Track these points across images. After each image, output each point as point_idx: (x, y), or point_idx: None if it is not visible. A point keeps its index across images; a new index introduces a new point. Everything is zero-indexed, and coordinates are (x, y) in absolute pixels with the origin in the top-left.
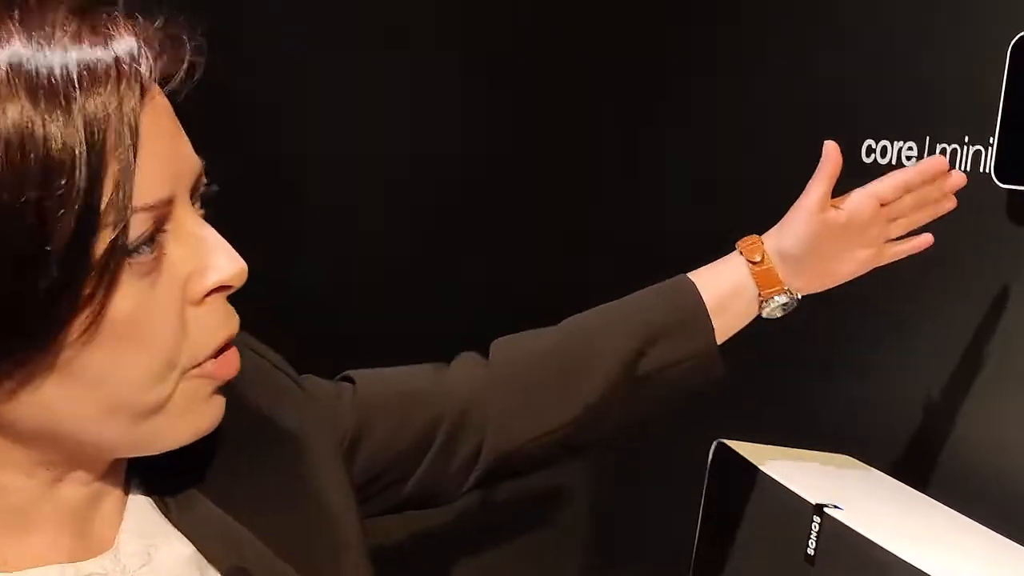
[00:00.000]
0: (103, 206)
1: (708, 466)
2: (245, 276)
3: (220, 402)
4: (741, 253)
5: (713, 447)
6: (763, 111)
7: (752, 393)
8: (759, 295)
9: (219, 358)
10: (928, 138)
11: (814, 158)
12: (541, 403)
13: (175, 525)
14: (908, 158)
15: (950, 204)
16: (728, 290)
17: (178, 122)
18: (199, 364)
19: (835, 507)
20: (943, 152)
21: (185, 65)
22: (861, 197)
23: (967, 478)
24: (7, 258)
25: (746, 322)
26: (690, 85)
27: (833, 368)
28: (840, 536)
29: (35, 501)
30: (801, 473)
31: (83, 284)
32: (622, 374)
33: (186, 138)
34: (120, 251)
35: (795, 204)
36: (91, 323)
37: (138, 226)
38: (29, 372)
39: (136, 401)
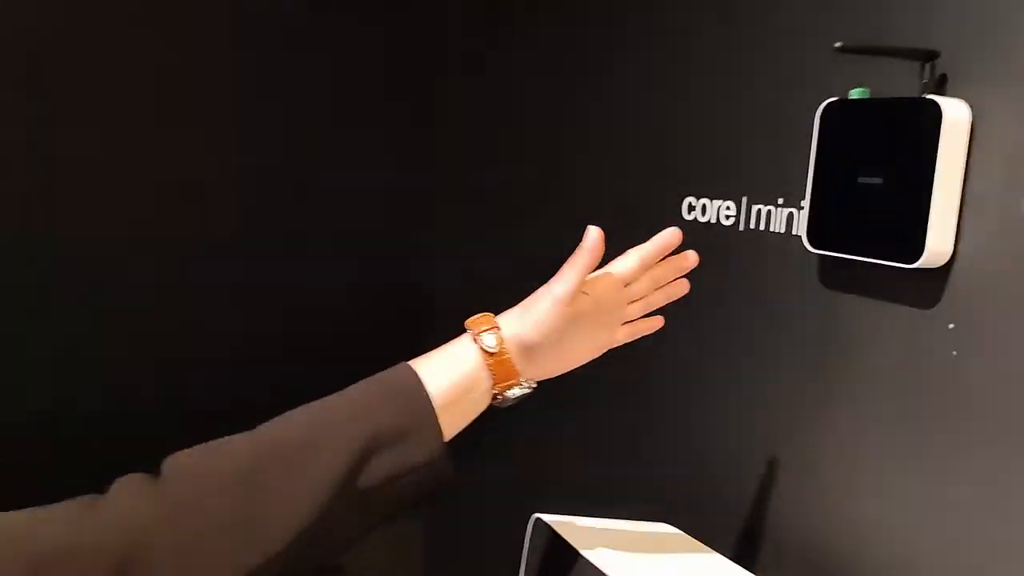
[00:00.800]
0: None
1: (525, 544)
2: None
3: None
4: (475, 339)
5: (531, 523)
6: (597, 168)
7: (574, 461)
8: (493, 387)
9: None
10: (745, 198)
11: (640, 214)
12: (227, 541)
13: None
14: (727, 217)
15: (684, 288)
16: (459, 384)
17: None
18: None
19: None
20: (758, 213)
21: None
22: (607, 281)
23: (787, 549)
24: None
25: (476, 415)
26: (524, 144)
27: (653, 433)
28: None
29: None
30: (619, 551)
31: None
32: (335, 495)
33: None
34: None
35: (543, 290)
36: None
37: None
38: None
39: None
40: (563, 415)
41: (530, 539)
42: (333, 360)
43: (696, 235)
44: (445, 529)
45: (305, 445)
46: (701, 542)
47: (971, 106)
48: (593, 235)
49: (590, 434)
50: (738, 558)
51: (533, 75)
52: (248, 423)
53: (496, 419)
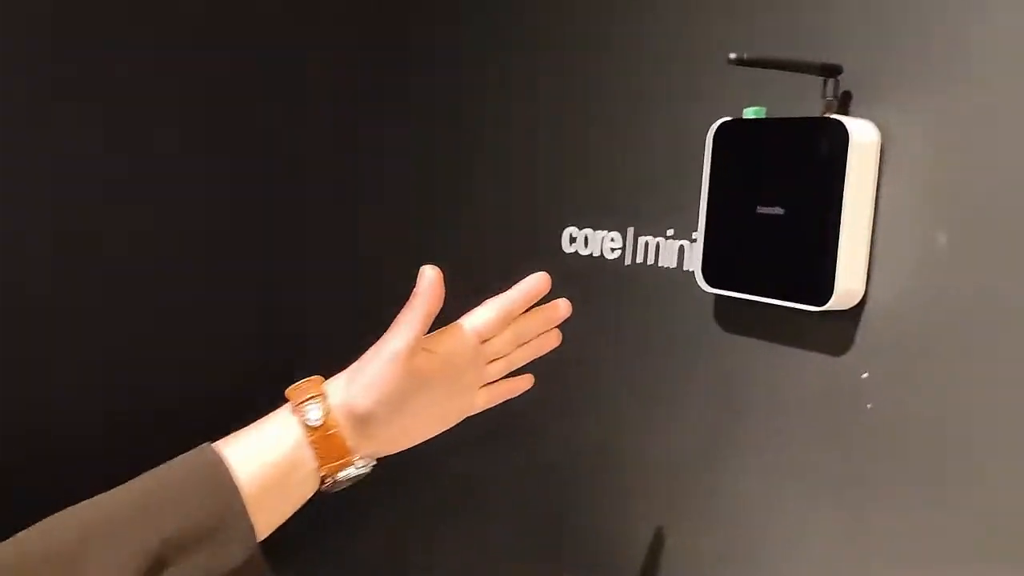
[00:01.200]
0: None
1: None
2: None
3: None
4: (294, 411)
5: None
6: (468, 196)
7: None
8: (320, 469)
9: None
10: (631, 229)
11: (515, 248)
12: None
13: None
14: (612, 250)
15: (554, 341)
16: (275, 468)
17: None
18: None
19: None
20: (645, 246)
21: None
22: (459, 336)
23: None
24: None
25: (301, 503)
26: (391, 175)
27: (542, 494)
28: None
29: None
30: None
31: None
32: None
33: None
34: None
35: (376, 347)
36: None
37: None
38: None
39: None
40: (425, 484)
41: None
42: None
43: (578, 270)
44: None
45: (77, 557)
46: None
47: (879, 127)
48: (429, 275)
49: (466, 496)
50: None
51: (401, 102)
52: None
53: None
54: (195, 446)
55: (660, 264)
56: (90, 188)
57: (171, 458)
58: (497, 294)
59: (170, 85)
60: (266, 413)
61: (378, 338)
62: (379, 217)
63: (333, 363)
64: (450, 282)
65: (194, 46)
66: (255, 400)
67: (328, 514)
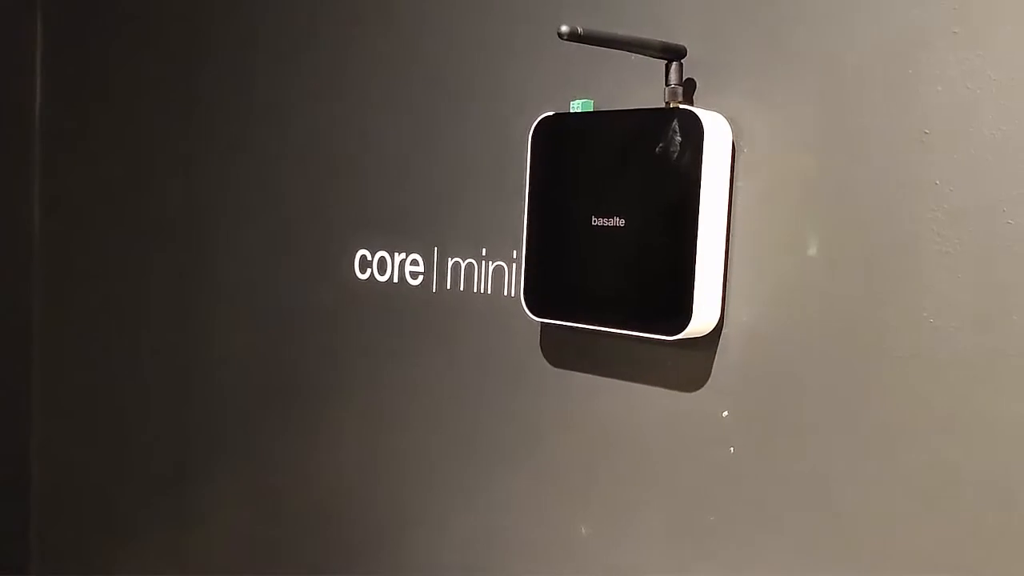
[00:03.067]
0: None
1: None
2: None
3: None
4: None
5: None
6: (236, 214)
7: None
8: None
9: None
10: (436, 249)
11: (303, 276)
12: None
13: None
14: (413, 275)
15: None
16: None
17: None
18: None
19: None
20: (455, 268)
21: None
22: None
23: None
24: None
25: None
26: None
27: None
28: None
29: None
30: None
31: None
32: None
33: None
34: None
35: None
36: None
37: None
38: None
39: None
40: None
41: None
42: None
43: (374, 300)
44: None
45: None
46: None
47: (730, 120)
48: None
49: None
50: None
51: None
52: None
53: None
54: None
55: (474, 290)
56: None
57: None
58: (272, 334)
59: None
60: None
61: None
62: (133, 250)
63: None
64: (222, 315)
65: None
66: None
67: None
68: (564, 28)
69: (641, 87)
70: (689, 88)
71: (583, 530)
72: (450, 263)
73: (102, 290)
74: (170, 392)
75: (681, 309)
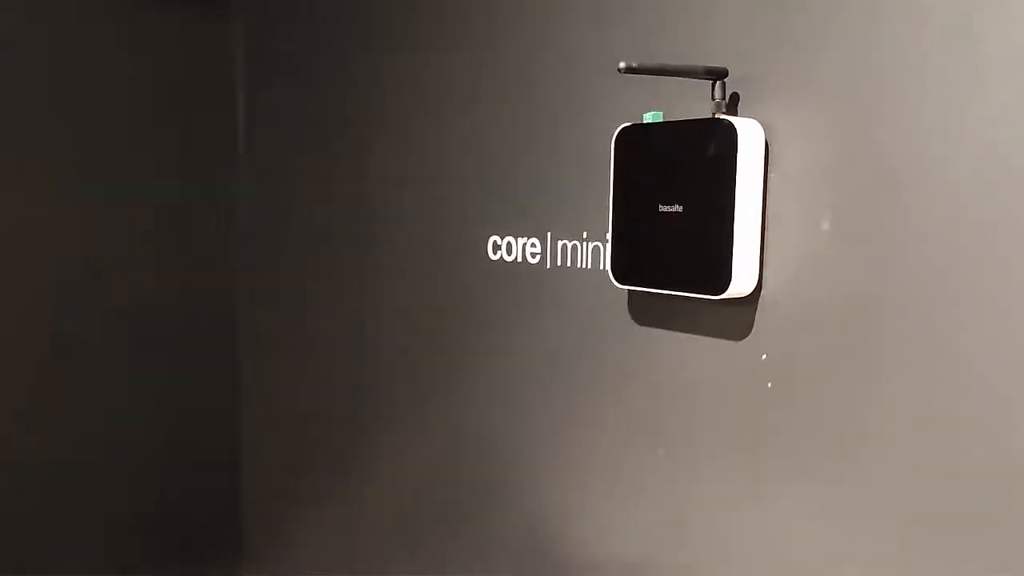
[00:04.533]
0: None
1: None
2: None
3: None
4: None
5: None
6: (398, 212)
7: (395, 511)
8: None
9: None
10: (549, 234)
11: (445, 257)
12: None
13: None
14: (533, 255)
15: None
16: None
17: None
18: None
19: None
20: (563, 249)
21: None
22: None
23: None
24: None
25: None
26: (326, 189)
27: (474, 494)
28: None
29: None
30: None
31: None
32: None
33: None
34: None
35: None
36: None
37: None
38: None
39: None
40: (375, 474)
41: None
42: None
43: (503, 276)
44: None
45: None
46: None
47: (764, 125)
48: None
49: (402, 489)
50: None
51: (330, 117)
52: None
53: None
54: None
55: (577, 265)
56: None
57: None
58: (425, 308)
59: None
60: None
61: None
62: (313, 236)
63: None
64: (389, 293)
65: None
66: None
67: None
68: (622, 64)
69: (699, 100)
70: (734, 100)
71: (661, 452)
72: (559, 245)
73: (295, 283)
74: (347, 360)
75: (723, 275)
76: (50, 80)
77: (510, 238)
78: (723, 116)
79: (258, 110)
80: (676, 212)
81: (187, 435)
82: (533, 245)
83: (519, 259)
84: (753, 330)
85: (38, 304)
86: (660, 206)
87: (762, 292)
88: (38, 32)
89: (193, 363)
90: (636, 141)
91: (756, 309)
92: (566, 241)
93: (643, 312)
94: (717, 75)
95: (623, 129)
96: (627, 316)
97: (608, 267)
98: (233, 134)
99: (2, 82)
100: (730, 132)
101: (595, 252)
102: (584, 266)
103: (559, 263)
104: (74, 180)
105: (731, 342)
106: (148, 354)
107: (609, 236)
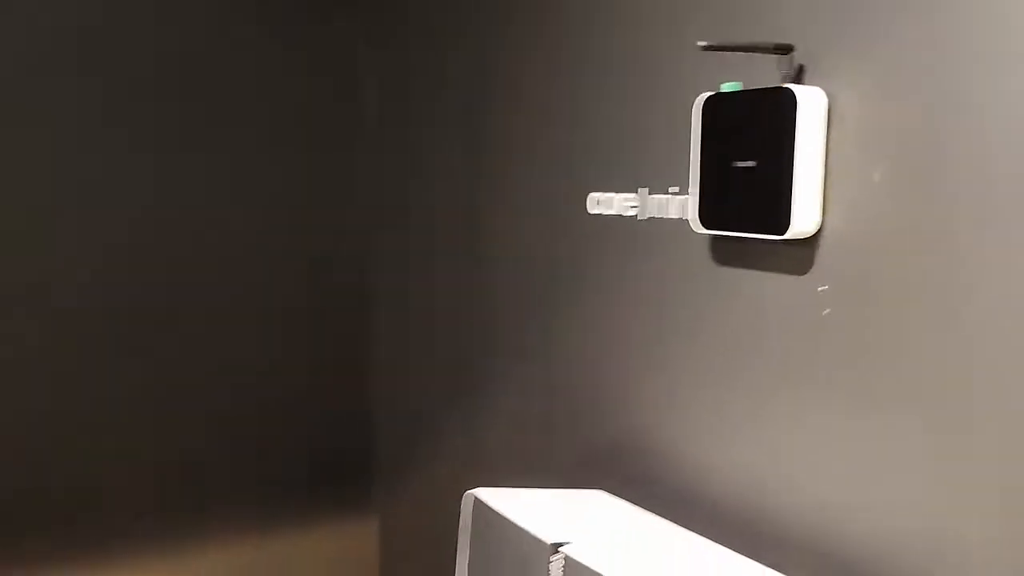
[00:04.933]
0: None
1: (462, 514)
2: None
3: None
4: None
5: (464, 499)
6: (506, 173)
7: (515, 431)
8: None
9: None
10: (642, 190)
11: (551, 213)
12: None
13: None
14: (628, 209)
15: None
16: None
17: None
18: None
19: (569, 544)
20: (655, 203)
21: None
22: None
23: (703, 502)
24: None
25: None
26: (440, 151)
27: (576, 409)
28: (577, 572)
29: None
30: (546, 513)
31: None
32: None
33: None
34: None
35: None
36: None
37: None
38: None
39: None
40: (495, 400)
41: (464, 513)
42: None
43: (602, 230)
44: (395, 514)
45: None
46: (631, 503)
47: (826, 92)
48: None
49: (519, 415)
50: (664, 513)
51: (446, 88)
52: None
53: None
54: None
55: (668, 216)
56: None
57: None
58: (536, 257)
59: None
60: None
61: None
62: (448, 194)
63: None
64: (500, 249)
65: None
66: None
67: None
68: (701, 43)
69: (771, 72)
70: (800, 72)
71: (739, 371)
72: (652, 198)
73: (423, 243)
74: (468, 304)
75: (785, 218)
76: (200, 82)
77: (610, 194)
78: (789, 85)
79: (387, 81)
80: (749, 167)
81: (322, 382)
82: (629, 199)
83: (616, 213)
84: (814, 265)
85: (195, 266)
86: (735, 162)
87: (822, 233)
88: (193, 37)
89: (330, 310)
90: (716, 108)
91: (816, 248)
92: (658, 195)
93: (722, 254)
94: (784, 50)
95: (706, 98)
96: (708, 258)
97: (691, 216)
98: (360, 108)
99: (167, 86)
100: (794, 99)
101: (681, 204)
102: (672, 216)
103: (653, 215)
104: (226, 169)
105: (796, 276)
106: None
107: (693, 189)
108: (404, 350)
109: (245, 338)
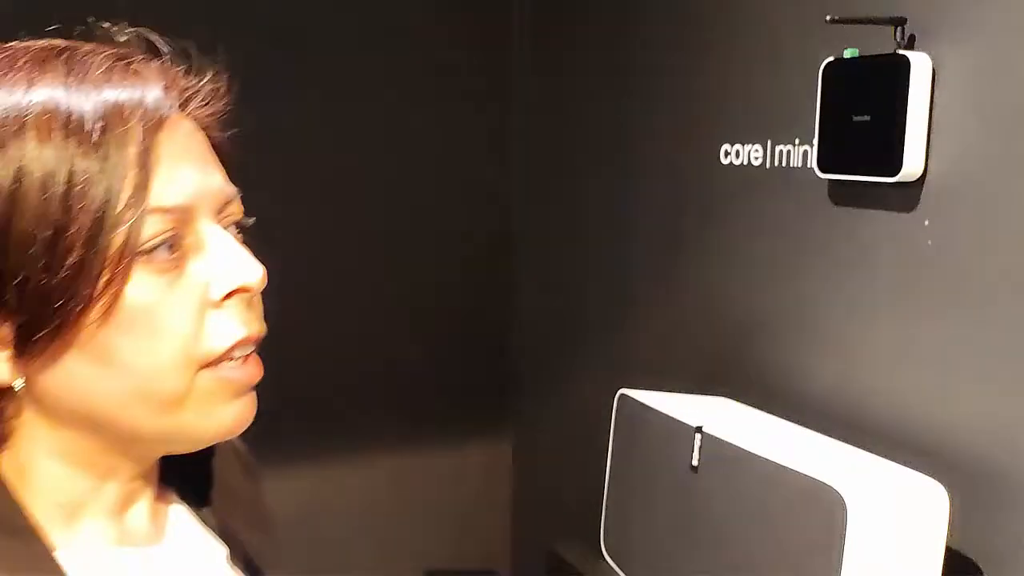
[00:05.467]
0: (119, 209)
1: (614, 410)
2: (259, 281)
3: (243, 406)
4: None
5: (617, 396)
6: (646, 121)
7: (652, 349)
8: None
9: (240, 362)
10: (769, 141)
11: (686, 162)
12: None
13: (202, 525)
14: (755, 158)
15: None
16: None
17: (209, 153)
18: (217, 363)
19: (709, 427)
20: (779, 153)
21: (206, 103)
22: None
23: (819, 405)
24: (37, 245)
25: None
26: (589, 112)
27: (710, 328)
28: (715, 448)
29: (85, 493)
30: (685, 408)
31: (100, 272)
32: None
33: (214, 167)
34: (133, 247)
35: None
36: (108, 307)
37: (152, 227)
38: (61, 347)
39: (157, 389)
40: (636, 311)
41: (617, 408)
42: None
43: (732, 177)
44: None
45: None
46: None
47: (932, 58)
48: None
49: (655, 332)
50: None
51: (593, 50)
52: None
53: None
54: None
55: (792, 165)
56: None
57: None
58: (679, 196)
59: None
60: None
61: None
62: (584, 151)
63: None
64: (645, 182)
65: None
66: None
67: None
68: (828, 17)
69: (887, 39)
70: (912, 40)
71: (859, 297)
72: (777, 149)
73: (569, 187)
74: (611, 246)
75: (898, 163)
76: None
77: (738, 146)
78: (903, 52)
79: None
80: (865, 121)
81: (467, 302)
82: (756, 151)
83: (744, 163)
84: (919, 205)
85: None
86: (854, 117)
87: (927, 178)
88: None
89: (473, 255)
90: (838, 71)
91: (922, 190)
92: (781, 146)
93: (838, 196)
94: (898, 22)
95: (829, 62)
96: (826, 199)
97: (813, 164)
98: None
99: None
100: (908, 63)
101: (804, 154)
102: (796, 165)
103: (776, 164)
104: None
105: (904, 213)
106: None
107: (816, 140)
108: (553, 270)
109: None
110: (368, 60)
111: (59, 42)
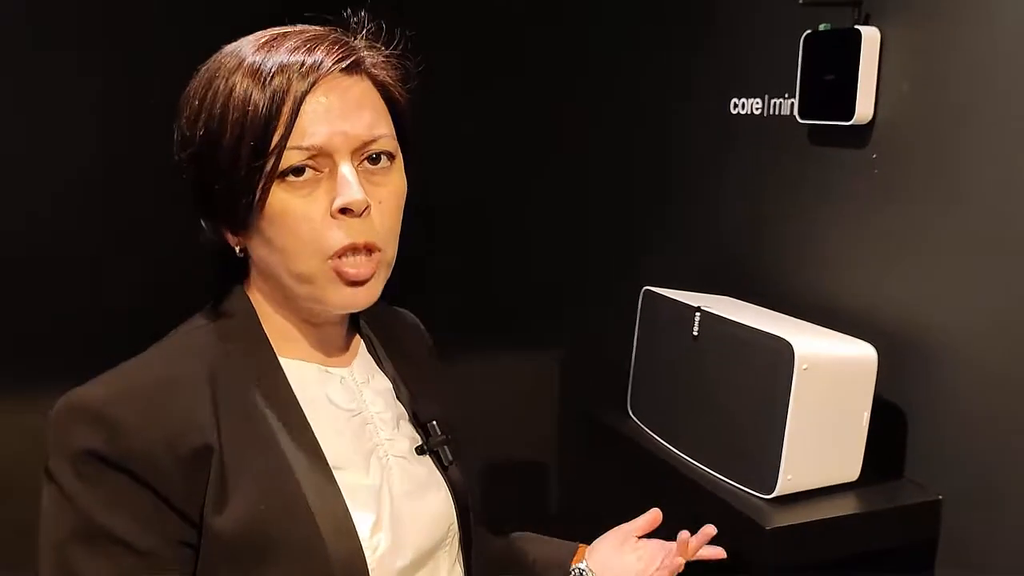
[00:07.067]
0: (272, 144)
1: (640, 303)
2: (358, 205)
3: (352, 293)
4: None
5: (643, 292)
6: (682, 79)
7: (673, 253)
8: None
9: (356, 259)
10: (767, 95)
11: (702, 112)
12: None
13: (380, 366)
14: (756, 109)
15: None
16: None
17: (364, 106)
18: (338, 256)
19: (706, 307)
20: (773, 104)
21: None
22: (655, 549)
23: (792, 293)
24: (226, 166)
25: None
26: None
27: (716, 241)
28: (710, 322)
29: (297, 328)
30: (691, 298)
31: (258, 185)
32: None
33: (360, 118)
34: (275, 171)
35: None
36: (262, 208)
37: (290, 159)
38: (252, 234)
39: (294, 267)
40: (664, 227)
41: (642, 301)
42: None
43: (740, 122)
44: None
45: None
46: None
47: (881, 31)
48: (653, 517)
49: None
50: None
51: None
52: None
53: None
54: None
55: (783, 113)
56: None
57: None
58: (698, 137)
59: None
60: None
61: None
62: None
63: None
64: (656, 134)
65: None
66: None
67: None
68: (801, 0)
69: (848, 17)
70: (867, 18)
71: (824, 208)
72: (772, 102)
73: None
74: (639, 164)
75: (852, 110)
76: None
77: (744, 99)
78: (857, 27)
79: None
80: (832, 79)
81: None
82: (757, 104)
83: (748, 112)
84: (869, 141)
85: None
86: (824, 76)
87: (875, 121)
88: None
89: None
90: (814, 41)
91: (871, 131)
92: (775, 99)
93: (814, 136)
94: (855, 3)
95: (808, 34)
96: (806, 139)
97: (796, 112)
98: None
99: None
100: (859, 35)
101: (792, 105)
102: (786, 114)
103: (772, 113)
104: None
105: (857, 150)
106: None
107: (797, 94)
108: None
109: None
110: None
111: (288, 27)
